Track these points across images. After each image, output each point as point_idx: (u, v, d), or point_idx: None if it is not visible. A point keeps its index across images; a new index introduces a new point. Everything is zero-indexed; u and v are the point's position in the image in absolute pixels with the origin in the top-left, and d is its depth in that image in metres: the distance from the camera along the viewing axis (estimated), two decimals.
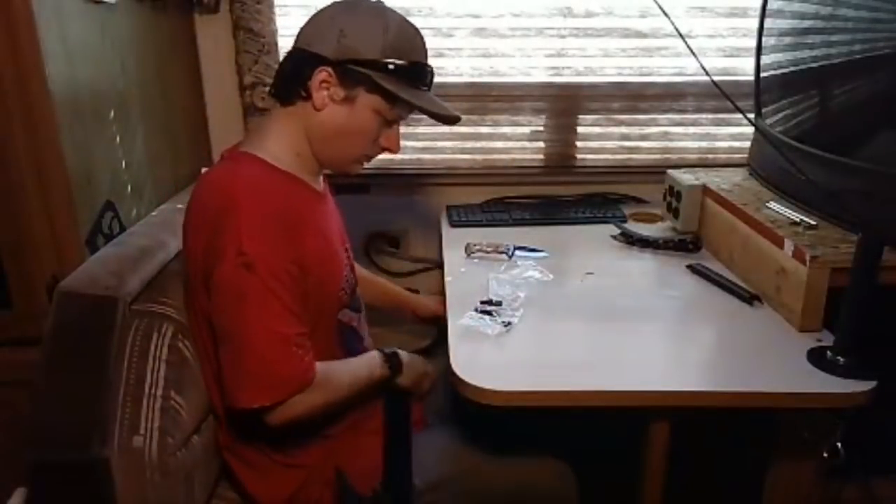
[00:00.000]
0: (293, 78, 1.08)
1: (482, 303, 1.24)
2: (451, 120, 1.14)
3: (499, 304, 1.23)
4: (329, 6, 1.10)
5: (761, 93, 1.51)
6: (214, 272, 0.98)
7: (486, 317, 1.19)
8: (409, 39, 1.08)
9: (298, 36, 1.10)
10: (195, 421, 1.09)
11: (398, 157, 1.48)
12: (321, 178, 1.19)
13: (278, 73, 1.12)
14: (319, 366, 1.04)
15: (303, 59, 1.06)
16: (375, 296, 1.46)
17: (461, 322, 1.18)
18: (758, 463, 1.39)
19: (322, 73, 1.04)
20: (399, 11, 1.09)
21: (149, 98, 1.42)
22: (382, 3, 1.11)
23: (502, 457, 1.19)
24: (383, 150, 1.15)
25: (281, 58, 1.65)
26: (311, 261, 1.05)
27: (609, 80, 1.80)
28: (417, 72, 1.09)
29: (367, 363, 1.15)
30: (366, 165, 1.17)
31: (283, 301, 0.99)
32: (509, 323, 1.18)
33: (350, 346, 1.18)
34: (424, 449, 1.18)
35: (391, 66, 1.05)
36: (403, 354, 1.20)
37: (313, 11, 1.09)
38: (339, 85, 1.05)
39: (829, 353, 1.07)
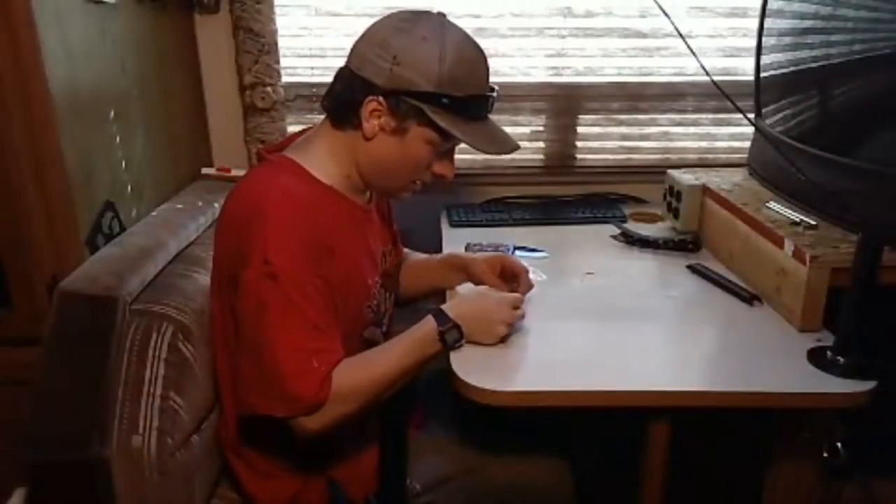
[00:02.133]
0: (344, 103, 1.04)
1: None
2: (507, 153, 1.10)
3: None
4: (385, 21, 1.04)
5: (761, 93, 1.51)
6: (240, 277, 0.98)
7: None
8: (467, 68, 1.02)
9: (352, 52, 1.05)
10: (195, 421, 1.09)
11: None
12: (368, 192, 1.16)
13: (329, 91, 1.07)
14: (346, 372, 0.98)
15: (353, 83, 1.02)
16: (432, 277, 1.36)
17: None
18: (758, 463, 1.38)
19: (373, 103, 1.01)
20: (462, 28, 1.03)
21: (149, 98, 1.42)
22: (443, 19, 1.04)
23: (501, 456, 1.19)
24: (436, 176, 1.11)
25: (281, 58, 1.69)
26: (337, 278, 1.03)
27: (609, 80, 1.80)
28: (474, 104, 1.04)
29: (414, 345, 1.05)
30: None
31: (306, 314, 0.97)
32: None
33: None
34: (423, 449, 1.18)
35: (445, 101, 1.00)
36: (459, 312, 1.07)
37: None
38: (391, 115, 1.02)
39: (829, 353, 1.07)
